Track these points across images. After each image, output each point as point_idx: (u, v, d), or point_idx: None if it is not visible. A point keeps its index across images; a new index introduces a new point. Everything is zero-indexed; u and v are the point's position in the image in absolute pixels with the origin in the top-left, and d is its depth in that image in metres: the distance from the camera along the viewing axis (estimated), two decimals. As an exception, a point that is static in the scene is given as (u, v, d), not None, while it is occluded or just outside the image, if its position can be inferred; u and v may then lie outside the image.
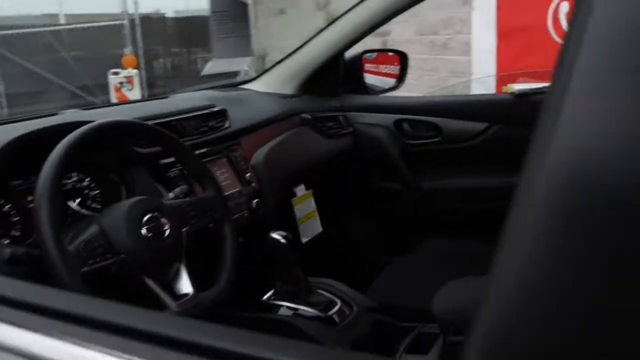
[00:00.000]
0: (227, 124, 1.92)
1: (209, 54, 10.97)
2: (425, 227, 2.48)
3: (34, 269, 1.20)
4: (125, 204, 1.26)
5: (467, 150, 2.36)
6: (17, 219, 1.37)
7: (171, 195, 1.46)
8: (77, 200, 1.51)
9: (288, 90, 2.49)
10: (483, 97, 2.39)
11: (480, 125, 2.34)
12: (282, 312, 1.68)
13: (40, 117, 1.65)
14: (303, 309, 1.65)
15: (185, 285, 1.27)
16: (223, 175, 1.77)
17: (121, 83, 9.47)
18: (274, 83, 2.50)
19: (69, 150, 1.19)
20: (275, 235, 1.64)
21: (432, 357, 1.50)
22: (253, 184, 1.87)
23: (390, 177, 2.46)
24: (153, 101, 2.24)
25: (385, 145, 2.42)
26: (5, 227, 1.34)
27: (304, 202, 2.23)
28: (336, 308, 1.67)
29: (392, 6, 2.19)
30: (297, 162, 2.17)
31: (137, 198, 1.28)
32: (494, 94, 2.40)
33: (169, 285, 1.27)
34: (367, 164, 2.49)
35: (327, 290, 1.75)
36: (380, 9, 2.20)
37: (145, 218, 1.23)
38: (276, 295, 1.70)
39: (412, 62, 2.67)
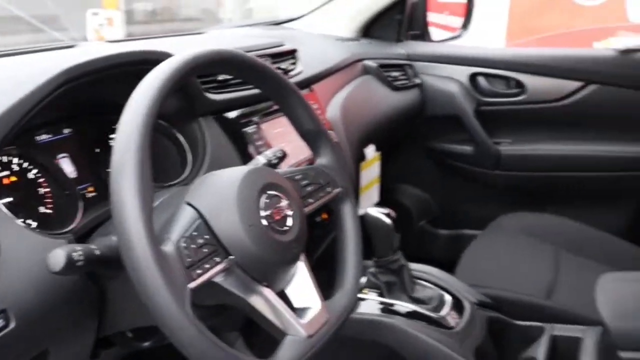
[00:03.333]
0: (299, 68, 1.54)
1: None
2: (502, 198, 2.17)
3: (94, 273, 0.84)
4: (233, 175, 0.85)
5: (555, 112, 2.04)
6: (47, 190, 0.97)
7: (262, 159, 1.07)
8: None
9: (345, 32, 2.13)
10: (578, 52, 2.06)
11: (572, 84, 2.01)
12: (370, 309, 1.33)
13: (57, 48, 1.26)
14: (406, 306, 1.30)
15: (307, 293, 0.89)
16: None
17: (101, 25, 8.94)
18: (328, 23, 2.13)
19: (168, 85, 0.78)
20: (374, 213, 1.29)
21: None
22: (333, 143, 1.50)
23: (462, 139, 2.13)
24: (190, 37, 1.83)
25: (458, 101, 2.09)
26: (32, 201, 0.94)
27: (371, 167, 1.88)
28: (449, 306, 1.32)
29: None
30: (367, 118, 1.81)
31: (249, 168, 0.88)
32: (591, 49, 2.06)
33: (283, 295, 0.89)
34: (436, 123, 2.15)
35: (427, 280, 1.41)
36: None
37: (263, 199, 0.85)
38: (371, 288, 1.35)
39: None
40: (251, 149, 1.25)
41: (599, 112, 2.00)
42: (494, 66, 2.09)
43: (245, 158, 1.21)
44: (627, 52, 1.95)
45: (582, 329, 1.32)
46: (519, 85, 2.06)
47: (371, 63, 1.97)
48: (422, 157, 2.25)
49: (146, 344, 0.96)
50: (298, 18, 2.20)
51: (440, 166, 2.25)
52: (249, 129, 1.27)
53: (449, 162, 2.20)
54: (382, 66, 2.00)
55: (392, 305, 1.31)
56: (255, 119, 1.30)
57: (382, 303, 1.32)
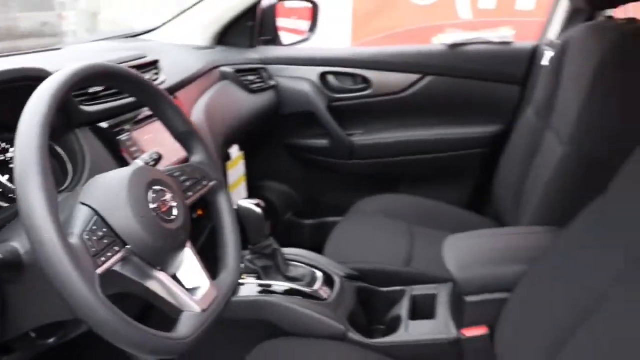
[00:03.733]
0: (162, 78, 1.63)
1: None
2: (359, 183, 2.35)
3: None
4: (121, 175, 0.94)
5: (399, 103, 2.25)
6: None
7: (140, 163, 1.16)
8: (7, 177, 1.17)
9: (200, 41, 2.22)
10: (415, 48, 2.29)
11: (411, 77, 2.24)
12: (251, 291, 1.45)
13: None
14: (282, 285, 1.44)
15: (196, 275, 1.00)
16: (170, 139, 1.47)
17: None
18: (183, 33, 2.21)
19: (58, 96, 0.85)
20: (245, 204, 1.42)
21: (443, 319, 1.38)
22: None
23: (318, 134, 2.30)
24: (49, 53, 1.86)
25: (311, 99, 2.25)
26: None
27: (237, 166, 2.00)
28: (320, 281, 1.48)
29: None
30: (228, 121, 1.92)
31: (134, 168, 0.98)
32: (426, 45, 2.29)
33: (175, 279, 0.99)
34: (292, 121, 2.30)
35: (298, 261, 1.55)
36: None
37: (150, 193, 0.94)
38: (249, 273, 1.47)
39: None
40: (126, 155, 1.32)
41: (436, 101, 2.24)
42: (341, 65, 2.26)
43: (122, 163, 1.29)
44: (454, 46, 2.20)
45: (436, 287, 1.51)
46: (365, 80, 2.26)
47: (228, 69, 2.08)
48: (282, 154, 2.39)
49: (50, 341, 1.02)
50: (154, 30, 2.26)
51: (300, 161, 2.40)
52: (123, 137, 1.34)
53: (308, 157, 2.36)
54: (238, 71, 2.12)
55: (270, 286, 1.45)
56: (127, 127, 1.37)
57: (260, 285, 1.45)
